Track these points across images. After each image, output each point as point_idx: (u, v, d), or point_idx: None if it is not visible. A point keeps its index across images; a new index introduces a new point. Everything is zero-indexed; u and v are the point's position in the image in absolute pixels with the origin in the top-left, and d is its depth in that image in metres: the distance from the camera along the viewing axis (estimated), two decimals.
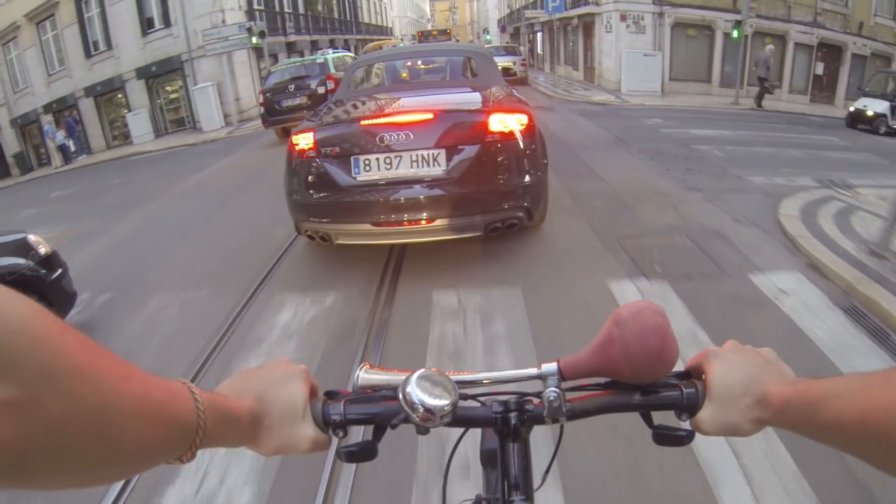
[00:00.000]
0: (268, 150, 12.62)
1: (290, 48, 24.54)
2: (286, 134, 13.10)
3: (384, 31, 50.38)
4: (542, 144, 4.86)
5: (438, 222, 4.39)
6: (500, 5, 55.87)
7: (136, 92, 21.42)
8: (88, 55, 21.84)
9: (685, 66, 19.54)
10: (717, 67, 19.45)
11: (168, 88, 21.68)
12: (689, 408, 0.76)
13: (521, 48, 27.83)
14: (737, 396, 0.71)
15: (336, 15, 33.45)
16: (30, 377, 0.41)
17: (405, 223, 4.42)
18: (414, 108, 4.59)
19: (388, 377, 0.83)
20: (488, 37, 59.15)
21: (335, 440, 0.81)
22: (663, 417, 0.79)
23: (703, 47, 19.53)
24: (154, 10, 20.68)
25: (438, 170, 4.32)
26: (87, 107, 22.50)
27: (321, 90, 13.06)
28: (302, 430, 0.75)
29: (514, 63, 23.71)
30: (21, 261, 4.09)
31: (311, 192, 4.54)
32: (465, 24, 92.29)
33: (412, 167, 4.34)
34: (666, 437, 0.78)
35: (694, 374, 0.80)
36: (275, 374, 0.78)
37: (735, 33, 16.62)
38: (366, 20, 43.26)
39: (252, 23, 18.15)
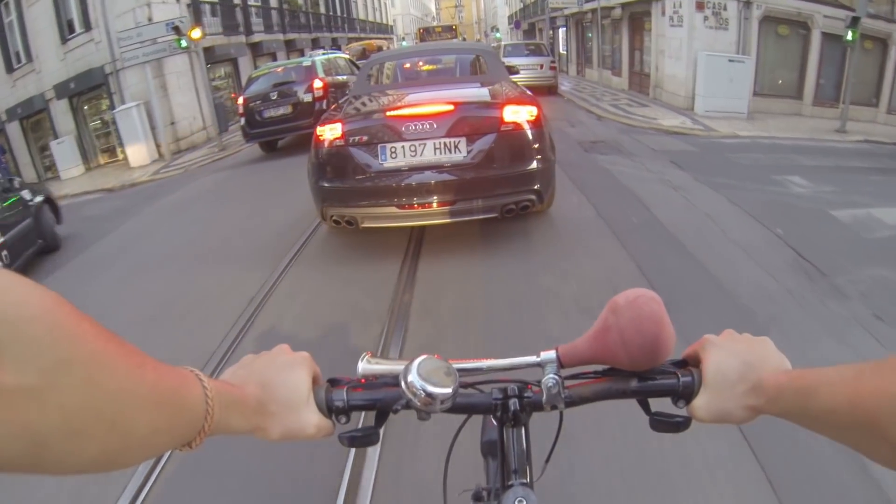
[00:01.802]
0: (178, 216, 7.58)
1: (256, 50, 19.18)
2: (272, 149, 12.12)
3: (384, 29, 44.97)
4: (549, 134, 4.99)
5: (458, 205, 4.66)
6: (510, 0, 51.35)
7: (61, 114, 16.25)
8: (10, 69, 16.72)
9: (772, 77, 14.10)
10: (810, 79, 13.91)
11: (103, 108, 16.46)
12: (685, 395, 0.77)
13: (549, 47, 21.73)
14: (732, 384, 0.72)
15: (322, 10, 27.99)
16: (48, 364, 0.42)
17: (428, 205, 4.66)
18: (434, 100, 4.87)
19: (390, 366, 0.84)
20: (498, 34, 54.70)
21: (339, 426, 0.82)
22: (660, 405, 0.79)
23: (795, 52, 14.04)
24: (74, 10, 15.45)
25: (459, 156, 4.62)
26: (14, 132, 17.37)
27: (307, 98, 11.28)
28: (306, 416, 0.76)
29: (542, 66, 18.27)
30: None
31: (338, 178, 4.75)
32: (471, 22, 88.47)
33: (435, 154, 4.62)
34: (663, 424, 0.79)
35: (691, 362, 0.79)
36: (278, 362, 0.79)
37: (849, 35, 11.29)
38: (361, 17, 37.81)
39: (181, 19, 12.79)
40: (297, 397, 0.76)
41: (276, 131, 11.47)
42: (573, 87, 20.46)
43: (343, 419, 0.81)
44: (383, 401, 0.80)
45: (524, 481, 0.83)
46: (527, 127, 4.68)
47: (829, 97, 13.59)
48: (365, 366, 0.85)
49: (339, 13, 31.33)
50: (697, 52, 13.25)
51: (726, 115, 12.90)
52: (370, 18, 40.77)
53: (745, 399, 0.71)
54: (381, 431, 0.83)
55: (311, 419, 0.76)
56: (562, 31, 29.59)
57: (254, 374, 0.76)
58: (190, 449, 0.62)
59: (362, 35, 32.92)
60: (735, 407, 0.72)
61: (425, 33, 37.71)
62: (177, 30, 12.45)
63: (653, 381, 0.79)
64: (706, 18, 13.18)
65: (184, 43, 12.58)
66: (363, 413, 0.82)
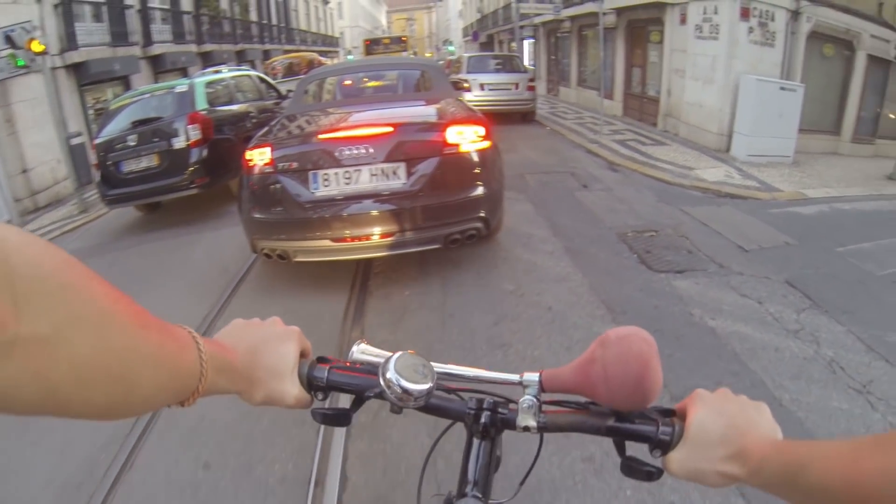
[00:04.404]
0: None
1: (157, 64, 15.02)
2: (153, 209, 8.58)
3: (330, 41, 40.86)
4: (498, 155, 4.74)
5: (398, 236, 4.34)
6: (465, 12, 48.94)
7: None
8: None
9: (812, 108, 10.71)
10: (851, 111, 10.78)
11: None
12: (662, 444, 0.74)
13: (523, 61, 17.23)
14: (712, 444, 0.69)
15: (254, 18, 23.85)
16: (60, 318, 0.44)
17: (365, 238, 4.34)
18: (372, 121, 4.57)
19: (377, 357, 0.85)
20: (451, 48, 51.89)
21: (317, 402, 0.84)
22: (638, 450, 0.77)
23: (837, 77, 10.86)
24: None
25: (398, 183, 4.31)
26: None
27: (180, 143, 7.42)
28: (287, 386, 0.79)
29: (517, 85, 14.49)
30: None
31: (267, 208, 4.44)
32: (423, 36, 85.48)
33: (372, 181, 4.32)
34: (633, 470, 0.77)
35: (679, 414, 0.76)
36: (270, 331, 0.81)
37: None
38: (303, 27, 33.60)
39: (23, 25, 8.66)
40: (282, 367, 0.78)
41: (140, 193, 7.66)
42: (550, 110, 16.95)
43: (321, 396, 0.83)
44: (360, 386, 0.82)
45: (477, 495, 0.82)
46: (472, 149, 4.39)
47: (866, 132, 10.84)
48: (357, 353, 0.87)
49: (274, 22, 27.19)
50: (740, 74, 9.76)
51: (770, 161, 9.53)
52: (313, 29, 36.61)
53: (723, 464, 0.68)
54: (354, 416, 0.84)
55: (292, 390, 0.79)
56: (527, 43, 26.15)
57: (245, 340, 0.78)
58: (182, 407, 0.64)
59: (302, 48, 28.76)
60: (710, 470, 0.68)
61: (372, 45, 33.55)
62: (10, 41, 8.38)
63: (630, 425, 0.77)
64: (751, 30, 9.70)
65: (21, 60, 8.51)
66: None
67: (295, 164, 4.34)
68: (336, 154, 4.26)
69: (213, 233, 6.84)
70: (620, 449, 0.79)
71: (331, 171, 4.29)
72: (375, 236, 4.31)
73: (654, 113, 12.90)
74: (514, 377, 0.83)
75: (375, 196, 4.28)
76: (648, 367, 0.72)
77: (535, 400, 0.79)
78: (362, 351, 0.86)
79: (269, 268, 5.42)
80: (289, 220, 4.36)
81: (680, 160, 9.58)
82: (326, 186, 4.32)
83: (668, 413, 0.76)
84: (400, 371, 0.74)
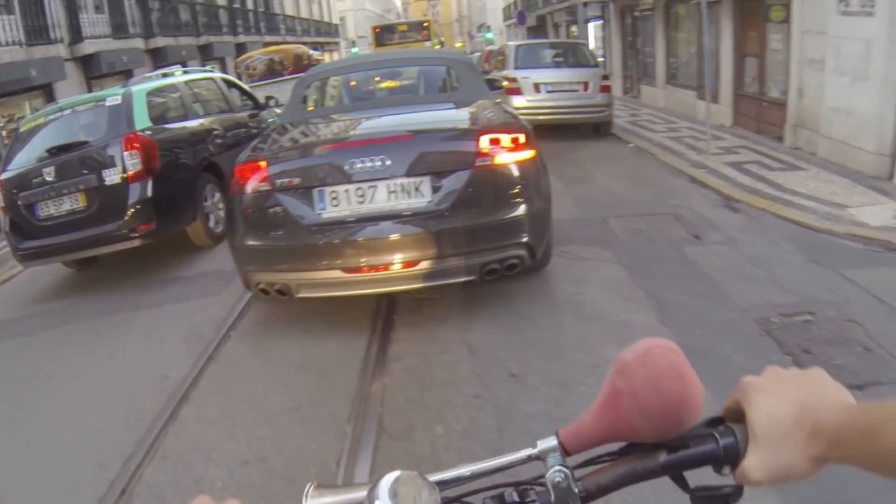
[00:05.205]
0: None
1: (89, 67, 15.00)
2: (86, 264, 8.29)
3: (327, 30, 41.61)
4: (544, 168, 5.08)
5: (423, 265, 4.61)
6: None
7: None
8: None
9: None
10: None
11: None
12: (729, 458, 0.77)
13: (593, 50, 16.24)
14: (787, 433, 0.72)
15: (222, 2, 24.05)
16: None
17: (383, 267, 4.62)
18: (388, 128, 5.09)
19: (346, 495, 0.83)
20: (489, 35, 52.68)
21: None
22: (701, 476, 0.80)
23: None
24: None
25: (422, 201, 4.61)
26: None
27: (113, 176, 7.26)
28: None
29: (587, 85, 14.06)
30: None
31: (264, 234, 4.76)
32: (449, 20, 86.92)
33: (390, 199, 4.62)
34: (708, 500, 0.78)
35: (729, 417, 0.80)
36: None
37: None
38: (289, 12, 34.16)
39: None
40: None
41: (62, 247, 7.46)
42: (631, 118, 16.59)
43: None
44: None
45: None
46: (510, 160, 4.67)
47: None
48: (311, 499, 0.83)
49: (250, 6, 27.51)
50: None
51: None
52: (303, 15, 37.22)
53: (806, 448, 0.72)
54: None
55: None
56: (593, 27, 25.97)
57: None
58: None
59: (289, 39, 29.06)
60: (797, 460, 0.72)
61: (384, 33, 33.71)
62: None
63: (686, 451, 0.80)
64: None
65: None
66: None
67: (296, 181, 4.68)
68: (346, 168, 4.59)
69: (153, 311, 6.47)
70: (682, 483, 0.81)
71: (340, 188, 4.63)
72: (396, 266, 4.62)
73: (778, 122, 12.34)
74: (527, 452, 0.85)
75: (395, 217, 4.61)
76: (685, 379, 0.76)
77: (564, 469, 0.81)
78: (318, 497, 0.82)
79: (224, 372, 4.99)
80: (291, 246, 4.72)
81: (825, 193, 8.92)
82: (335, 206, 4.65)
83: (718, 421, 0.81)
84: (393, 499, 0.72)
